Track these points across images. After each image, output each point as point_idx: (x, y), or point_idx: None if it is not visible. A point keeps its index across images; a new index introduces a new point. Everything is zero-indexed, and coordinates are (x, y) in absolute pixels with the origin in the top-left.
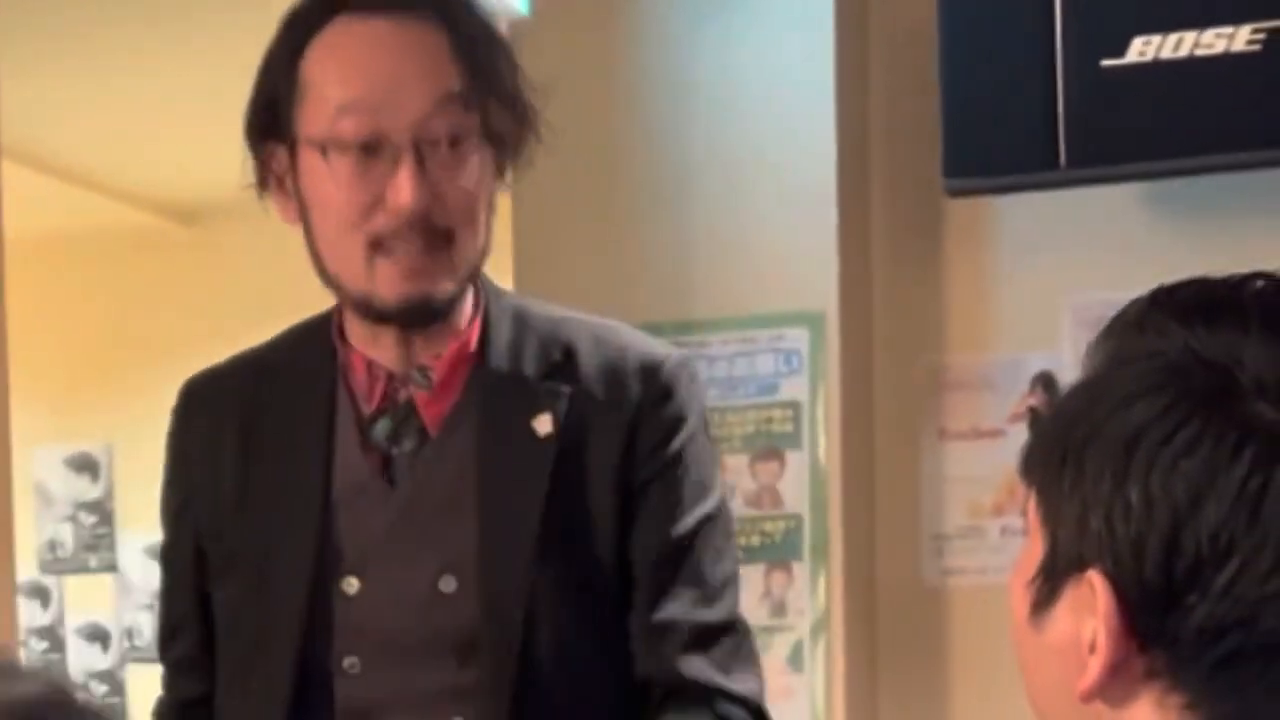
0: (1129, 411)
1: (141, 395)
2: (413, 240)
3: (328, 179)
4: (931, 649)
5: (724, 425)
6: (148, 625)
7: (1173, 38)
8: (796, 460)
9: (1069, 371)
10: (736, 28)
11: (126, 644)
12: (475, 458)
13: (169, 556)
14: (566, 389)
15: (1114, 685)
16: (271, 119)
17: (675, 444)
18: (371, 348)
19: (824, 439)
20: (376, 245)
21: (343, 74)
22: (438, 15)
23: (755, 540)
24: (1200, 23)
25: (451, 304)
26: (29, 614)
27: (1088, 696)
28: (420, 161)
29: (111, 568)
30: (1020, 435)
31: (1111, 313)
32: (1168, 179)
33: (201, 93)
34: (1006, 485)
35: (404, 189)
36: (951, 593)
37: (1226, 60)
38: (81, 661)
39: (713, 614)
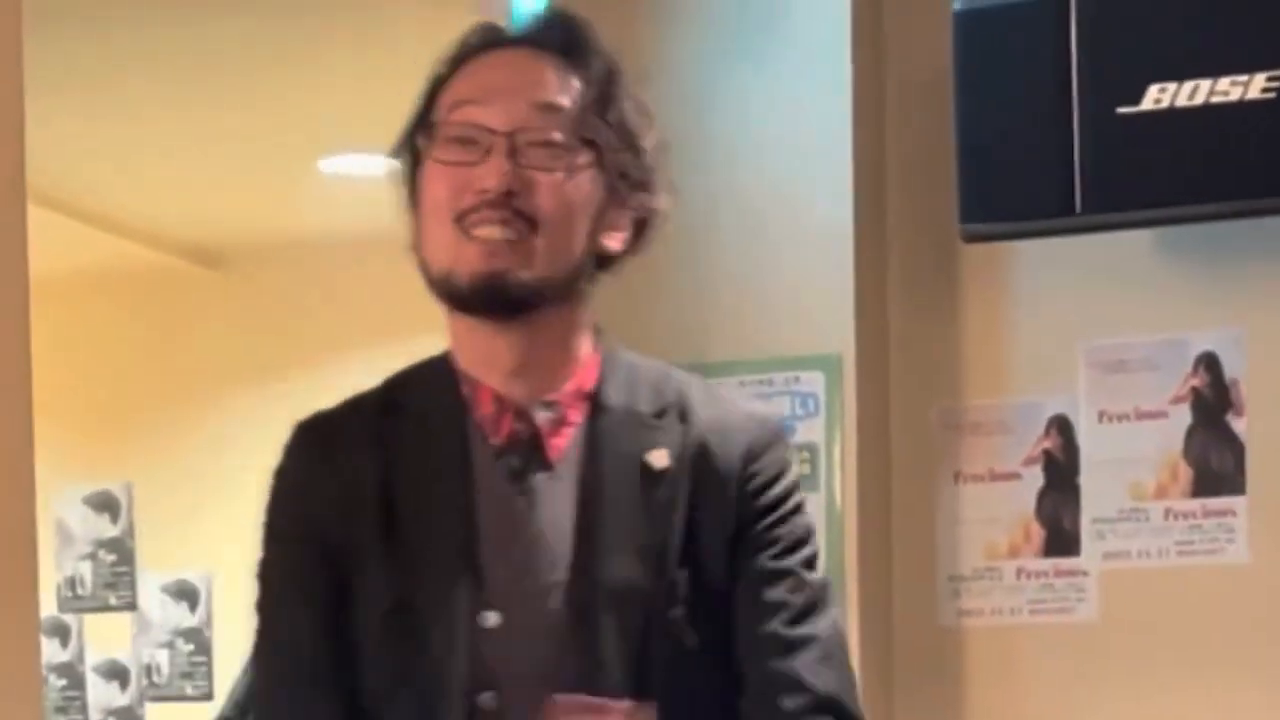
0: None
1: (162, 435)
2: (493, 217)
3: (431, 167)
4: (947, 690)
5: None
6: (166, 663)
7: (1188, 85)
8: (813, 503)
9: (1084, 415)
10: (754, 74)
11: (145, 681)
12: (592, 489)
13: (290, 580)
14: (680, 426)
15: None
16: (413, 144)
17: (781, 486)
18: (488, 374)
19: (840, 481)
20: (460, 221)
21: (463, 84)
22: (562, 50)
23: None
24: (1216, 71)
25: (529, 296)
26: (49, 651)
27: None
28: (513, 154)
29: (131, 606)
30: (1035, 478)
31: (1126, 357)
32: (1182, 225)
33: (225, 137)
34: (1022, 527)
35: (491, 168)
36: (967, 634)
37: (1241, 108)
38: (100, 699)
39: (809, 629)
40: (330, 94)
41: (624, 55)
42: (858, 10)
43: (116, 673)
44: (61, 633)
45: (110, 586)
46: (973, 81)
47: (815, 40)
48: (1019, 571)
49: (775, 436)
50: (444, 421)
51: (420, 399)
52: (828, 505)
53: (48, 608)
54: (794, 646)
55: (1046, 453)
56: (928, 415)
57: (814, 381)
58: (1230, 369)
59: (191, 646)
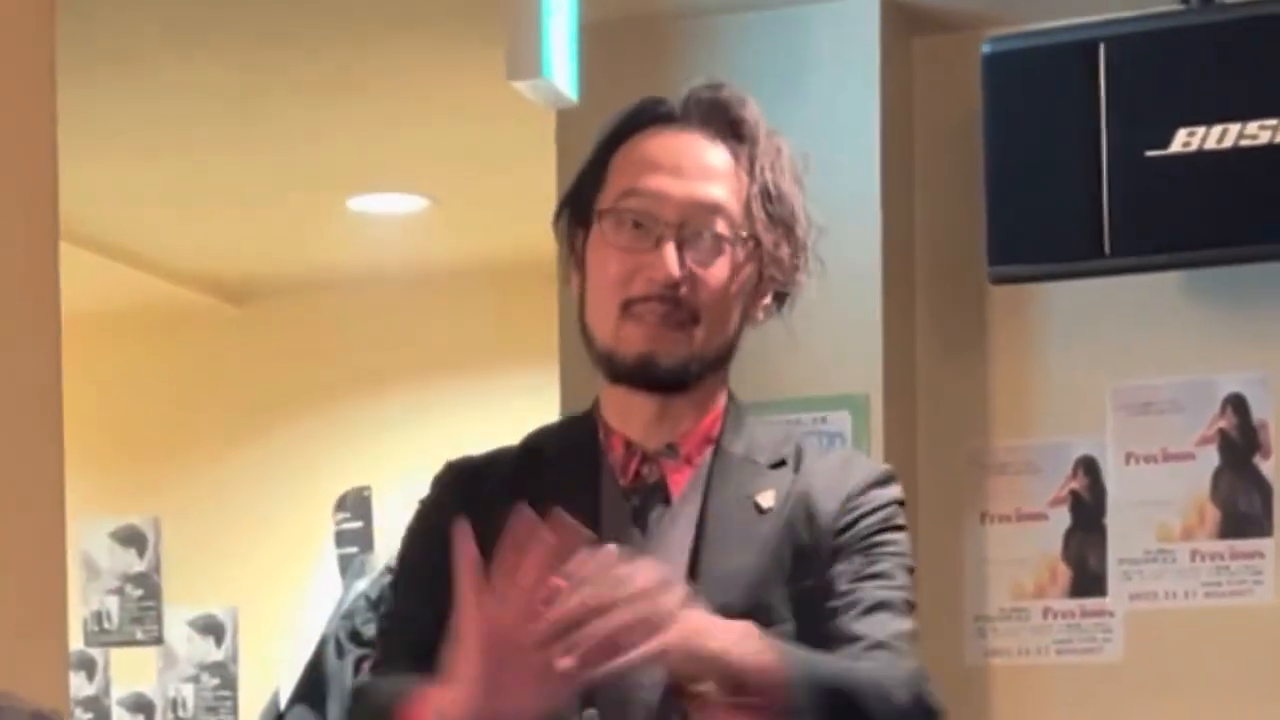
0: None
1: (189, 470)
2: (659, 309)
3: (604, 246)
4: None
5: None
6: (191, 697)
7: (1217, 129)
8: None
9: (1111, 456)
10: (783, 115)
11: (170, 716)
12: (704, 523)
13: (416, 615)
14: (791, 475)
15: None
16: (579, 206)
17: (883, 513)
18: (627, 425)
19: None
20: (627, 307)
21: (636, 166)
22: (734, 136)
23: None
24: (1244, 115)
25: (682, 374)
26: (75, 685)
27: None
28: (681, 245)
29: (157, 640)
30: (1062, 519)
31: (1153, 399)
32: (1210, 268)
33: (255, 176)
34: (1049, 568)
35: (663, 261)
36: (994, 673)
37: (1269, 152)
38: None
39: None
40: (360, 134)
41: (655, 92)
42: (886, 52)
43: (142, 706)
44: (88, 666)
45: (136, 621)
46: (1001, 124)
47: (844, 80)
48: (1045, 611)
49: (883, 480)
50: (578, 463)
51: (560, 443)
52: None
53: (74, 642)
54: (860, 635)
55: (1073, 493)
56: (955, 455)
57: (841, 421)
58: (1258, 411)
59: (217, 680)
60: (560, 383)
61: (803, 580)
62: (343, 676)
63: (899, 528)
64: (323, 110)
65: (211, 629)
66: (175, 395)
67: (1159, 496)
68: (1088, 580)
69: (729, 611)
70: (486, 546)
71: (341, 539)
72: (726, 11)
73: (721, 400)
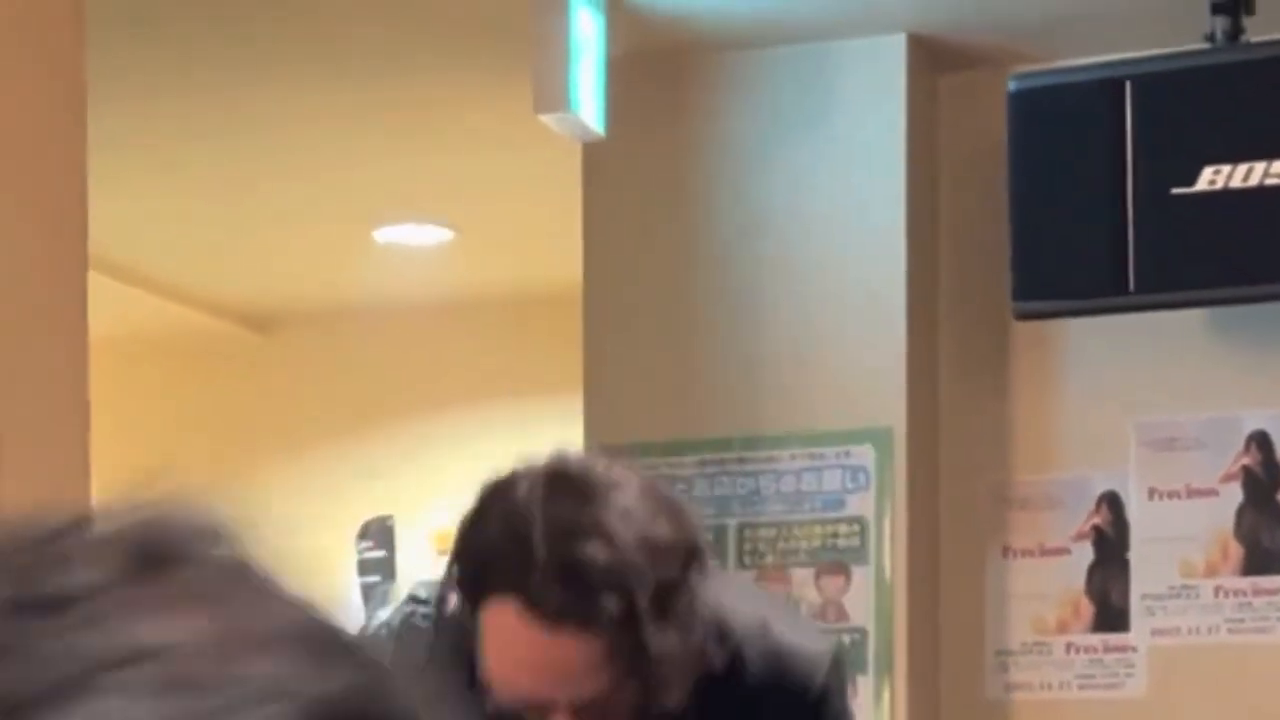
0: None
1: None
2: None
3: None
4: None
5: (790, 539)
6: None
7: (1242, 167)
8: (862, 575)
9: (1134, 491)
10: (809, 150)
11: None
12: None
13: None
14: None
15: None
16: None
17: None
18: None
19: (890, 554)
20: None
21: (502, 668)
22: (598, 622)
23: None
24: (1270, 153)
25: None
26: None
27: None
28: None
29: None
30: (1085, 554)
31: (1177, 435)
32: (1235, 305)
33: (282, 206)
34: (1071, 603)
35: None
36: (1015, 708)
37: None
38: None
39: None
40: (385, 165)
41: (682, 129)
42: (913, 88)
43: None
44: None
45: None
46: (1027, 160)
47: (870, 116)
48: (1068, 647)
49: (833, 684)
50: None
51: None
52: (877, 578)
53: None
54: None
55: (1096, 528)
56: (978, 489)
57: (864, 455)
58: None
59: None
60: (584, 412)
61: None
62: None
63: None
64: (348, 141)
65: None
66: (199, 423)
67: (1182, 532)
68: (1111, 615)
69: None
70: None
71: (364, 568)
72: (753, 46)
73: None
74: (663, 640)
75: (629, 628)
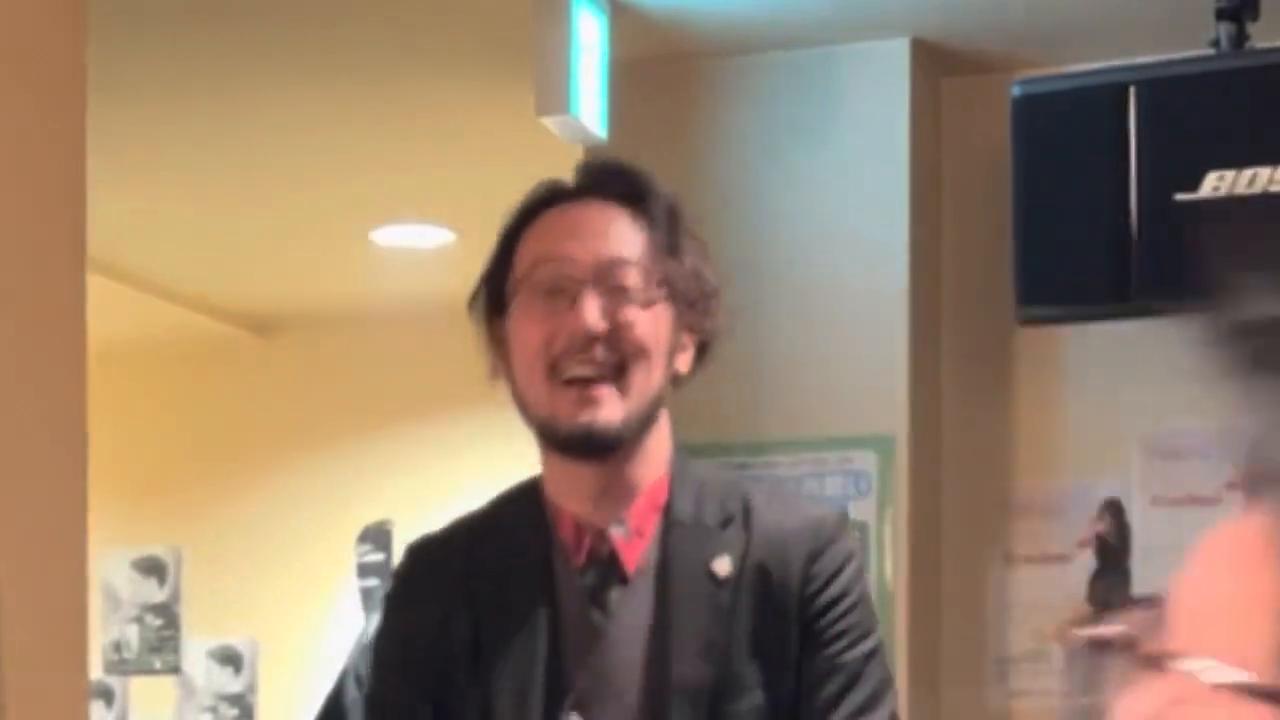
0: None
1: (211, 501)
2: (585, 360)
3: (523, 319)
4: None
5: None
6: None
7: (1247, 173)
8: None
9: (1137, 499)
10: (812, 155)
11: None
12: (664, 597)
13: (390, 703)
14: (743, 534)
15: None
16: (492, 293)
17: (840, 584)
18: (572, 500)
19: (891, 561)
20: (555, 370)
21: (541, 239)
22: (631, 198)
23: None
24: (1275, 159)
25: (621, 436)
26: (93, 714)
27: None
28: (597, 299)
29: (175, 670)
30: (1087, 561)
31: (1179, 441)
32: None
33: (281, 209)
34: (1072, 609)
35: (582, 315)
36: (1016, 716)
37: None
38: None
39: None
40: (385, 167)
41: (684, 133)
42: (916, 93)
43: None
44: (106, 696)
45: (155, 650)
46: (1030, 166)
47: (873, 121)
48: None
49: (832, 537)
50: (530, 548)
51: (509, 524)
52: (878, 584)
53: (93, 670)
54: None
55: (1098, 536)
56: (980, 496)
57: (867, 461)
58: None
59: (235, 712)
60: None
61: (769, 652)
62: (362, 709)
63: (859, 600)
64: (348, 144)
65: (231, 659)
66: (199, 426)
67: (1185, 540)
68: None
69: (701, 685)
70: (448, 643)
71: (364, 571)
72: (756, 51)
73: (664, 459)
74: (687, 264)
75: (667, 225)
